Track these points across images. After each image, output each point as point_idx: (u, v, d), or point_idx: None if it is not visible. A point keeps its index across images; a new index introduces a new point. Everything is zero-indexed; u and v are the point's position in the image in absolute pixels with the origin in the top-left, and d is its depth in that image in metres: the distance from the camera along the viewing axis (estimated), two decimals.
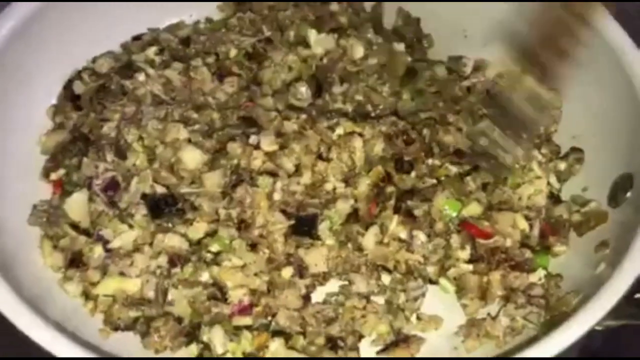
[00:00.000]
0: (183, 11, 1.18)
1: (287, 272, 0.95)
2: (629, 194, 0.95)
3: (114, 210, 0.98)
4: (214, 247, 0.96)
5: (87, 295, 0.96)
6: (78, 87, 1.08)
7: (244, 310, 0.94)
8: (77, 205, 0.98)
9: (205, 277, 0.95)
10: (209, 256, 0.96)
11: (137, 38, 1.15)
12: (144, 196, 0.98)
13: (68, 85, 1.09)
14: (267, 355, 0.92)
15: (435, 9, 1.17)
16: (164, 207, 0.97)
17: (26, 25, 1.02)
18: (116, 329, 0.94)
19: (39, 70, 1.05)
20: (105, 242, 0.96)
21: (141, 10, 1.14)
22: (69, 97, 1.08)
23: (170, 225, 0.97)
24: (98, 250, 0.96)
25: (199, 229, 0.97)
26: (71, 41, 1.08)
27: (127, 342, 0.94)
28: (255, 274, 0.95)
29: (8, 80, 1.01)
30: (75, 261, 0.97)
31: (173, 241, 0.96)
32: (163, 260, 0.95)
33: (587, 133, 1.05)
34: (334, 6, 1.19)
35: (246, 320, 0.93)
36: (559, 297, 0.94)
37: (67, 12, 1.06)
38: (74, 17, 1.07)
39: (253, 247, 0.96)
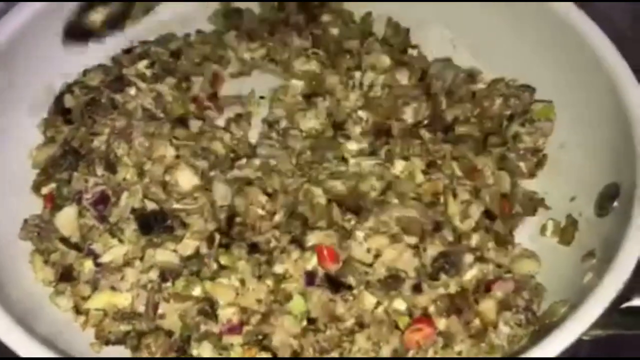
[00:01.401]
0: (174, 23, 1.19)
1: (297, 306, 0.94)
2: (615, 204, 0.95)
3: (104, 225, 0.98)
4: (222, 260, 0.96)
5: (78, 310, 0.96)
6: (69, 101, 1.08)
7: (233, 330, 0.93)
8: (67, 219, 0.99)
9: (197, 291, 0.95)
10: (212, 267, 0.96)
11: (127, 51, 1.16)
12: (133, 211, 0.98)
13: (59, 99, 1.09)
14: None
15: (425, 20, 1.18)
16: (154, 224, 0.97)
17: (17, 37, 1.02)
18: (107, 343, 0.95)
19: (29, 84, 1.06)
20: (95, 256, 0.97)
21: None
22: (60, 110, 1.08)
23: (159, 241, 0.97)
24: (88, 264, 0.96)
25: (188, 246, 0.97)
26: (61, 54, 1.08)
27: (119, 355, 0.95)
28: (257, 301, 0.95)
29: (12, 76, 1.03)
30: (66, 275, 0.97)
31: (164, 256, 0.96)
32: (154, 274, 0.95)
33: (575, 143, 1.05)
34: (325, 17, 1.20)
35: (236, 339, 0.93)
36: (547, 308, 0.94)
37: (56, 25, 1.07)
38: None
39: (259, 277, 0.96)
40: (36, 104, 1.08)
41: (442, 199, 1.01)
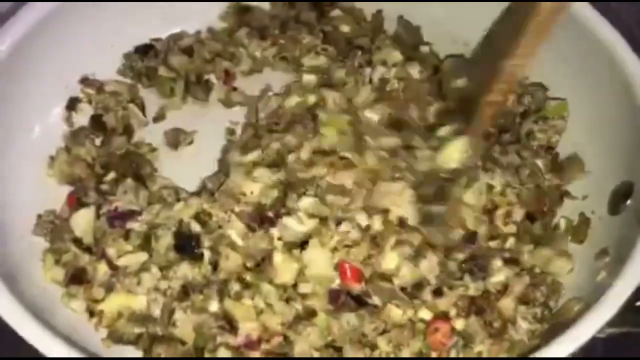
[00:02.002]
0: (185, 21, 1.19)
1: (322, 322, 0.93)
2: (628, 202, 0.95)
3: (117, 230, 0.98)
4: (249, 277, 0.95)
5: (91, 312, 0.95)
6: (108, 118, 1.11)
7: (251, 345, 0.92)
8: (82, 221, 0.99)
9: (214, 307, 0.94)
10: (233, 287, 0.95)
11: (140, 49, 1.16)
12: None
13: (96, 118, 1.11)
14: None
15: (436, 18, 1.18)
16: (188, 247, 0.96)
17: (30, 34, 1.02)
18: (118, 342, 0.94)
19: (46, 76, 1.07)
20: (108, 260, 0.96)
21: (143, 19, 1.15)
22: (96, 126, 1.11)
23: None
24: (103, 268, 0.96)
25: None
26: (73, 51, 1.09)
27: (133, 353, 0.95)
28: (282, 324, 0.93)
29: (17, 82, 1.02)
30: (76, 278, 0.96)
31: (189, 272, 0.95)
32: (176, 284, 0.95)
33: (588, 141, 1.05)
34: (336, 14, 1.20)
35: (254, 354, 0.92)
36: (561, 305, 0.94)
37: (67, 24, 1.07)
38: (75, 28, 1.08)
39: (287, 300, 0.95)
40: (55, 94, 1.09)
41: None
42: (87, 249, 0.98)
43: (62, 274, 0.97)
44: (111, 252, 0.97)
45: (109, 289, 0.95)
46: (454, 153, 1.00)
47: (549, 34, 0.93)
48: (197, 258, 0.96)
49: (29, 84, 1.04)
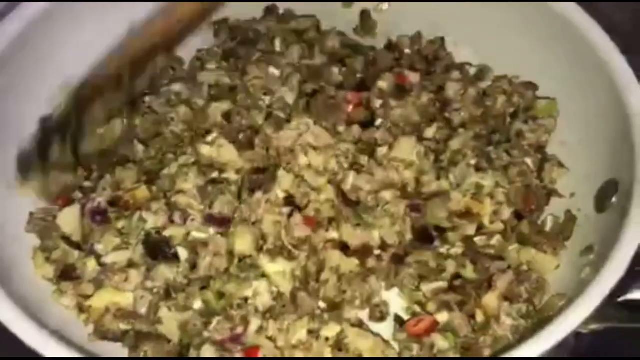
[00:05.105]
0: None
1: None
2: (614, 200, 0.96)
3: (103, 227, 0.99)
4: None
5: (81, 308, 0.96)
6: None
7: (236, 340, 0.92)
8: (69, 218, 1.00)
9: (197, 304, 0.94)
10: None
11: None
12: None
13: None
14: None
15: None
16: (160, 251, 0.97)
17: (26, 34, 1.03)
18: (104, 338, 0.95)
19: (43, 75, 1.07)
20: (98, 256, 0.97)
21: (142, 19, 1.15)
22: None
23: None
24: (92, 264, 0.97)
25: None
26: (69, 51, 1.09)
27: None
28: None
29: (15, 81, 1.03)
30: (66, 274, 0.97)
31: (168, 273, 0.96)
32: (159, 283, 0.95)
33: (575, 140, 1.06)
34: None
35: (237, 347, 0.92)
36: (545, 302, 0.95)
37: (63, 24, 1.08)
38: (71, 29, 1.09)
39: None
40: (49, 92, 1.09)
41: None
42: (77, 246, 0.99)
43: (51, 271, 0.98)
44: (100, 248, 0.98)
45: (98, 285, 0.96)
46: None
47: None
48: (172, 260, 0.96)
49: (26, 82, 1.05)
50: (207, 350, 0.91)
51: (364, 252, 0.98)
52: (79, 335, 0.93)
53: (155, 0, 1.11)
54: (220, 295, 0.94)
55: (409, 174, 1.03)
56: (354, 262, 0.97)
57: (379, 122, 1.09)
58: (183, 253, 0.97)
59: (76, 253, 0.99)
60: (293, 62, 1.14)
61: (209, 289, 0.95)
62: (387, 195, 1.00)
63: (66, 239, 0.99)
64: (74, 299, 0.97)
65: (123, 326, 0.95)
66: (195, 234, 0.97)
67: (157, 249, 0.96)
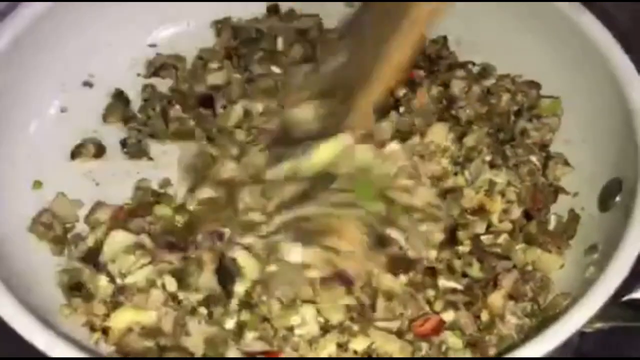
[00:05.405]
0: (185, 20, 1.20)
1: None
2: (618, 199, 0.96)
3: None
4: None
5: (92, 327, 0.94)
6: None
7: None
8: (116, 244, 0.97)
9: (230, 324, 0.91)
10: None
11: None
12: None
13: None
14: None
15: None
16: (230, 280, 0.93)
17: (27, 32, 1.03)
18: (126, 355, 0.92)
19: (44, 74, 1.07)
20: (112, 277, 0.95)
21: (143, 18, 1.16)
22: None
23: None
24: (103, 282, 0.94)
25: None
26: (70, 50, 1.10)
27: None
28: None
29: (15, 80, 1.04)
30: (77, 290, 0.95)
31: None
32: (195, 297, 0.93)
33: (579, 139, 1.06)
34: None
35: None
36: (549, 301, 0.95)
37: (65, 22, 1.08)
38: (72, 27, 1.09)
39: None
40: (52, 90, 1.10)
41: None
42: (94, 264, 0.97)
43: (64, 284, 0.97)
44: (113, 268, 0.95)
45: (115, 304, 0.93)
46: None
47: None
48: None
49: (26, 81, 1.05)
50: (232, 353, 0.89)
51: (407, 267, 0.96)
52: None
53: (155, 1, 1.12)
54: (263, 319, 0.91)
55: (445, 162, 1.03)
56: (403, 281, 0.95)
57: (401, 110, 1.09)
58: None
59: (87, 271, 0.96)
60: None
61: (250, 310, 0.92)
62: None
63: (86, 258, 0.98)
64: (84, 318, 0.94)
65: (147, 344, 0.91)
66: None
67: (227, 278, 0.93)
